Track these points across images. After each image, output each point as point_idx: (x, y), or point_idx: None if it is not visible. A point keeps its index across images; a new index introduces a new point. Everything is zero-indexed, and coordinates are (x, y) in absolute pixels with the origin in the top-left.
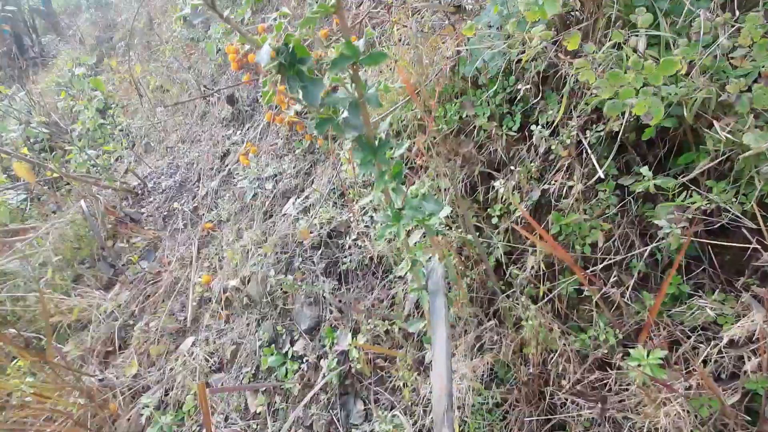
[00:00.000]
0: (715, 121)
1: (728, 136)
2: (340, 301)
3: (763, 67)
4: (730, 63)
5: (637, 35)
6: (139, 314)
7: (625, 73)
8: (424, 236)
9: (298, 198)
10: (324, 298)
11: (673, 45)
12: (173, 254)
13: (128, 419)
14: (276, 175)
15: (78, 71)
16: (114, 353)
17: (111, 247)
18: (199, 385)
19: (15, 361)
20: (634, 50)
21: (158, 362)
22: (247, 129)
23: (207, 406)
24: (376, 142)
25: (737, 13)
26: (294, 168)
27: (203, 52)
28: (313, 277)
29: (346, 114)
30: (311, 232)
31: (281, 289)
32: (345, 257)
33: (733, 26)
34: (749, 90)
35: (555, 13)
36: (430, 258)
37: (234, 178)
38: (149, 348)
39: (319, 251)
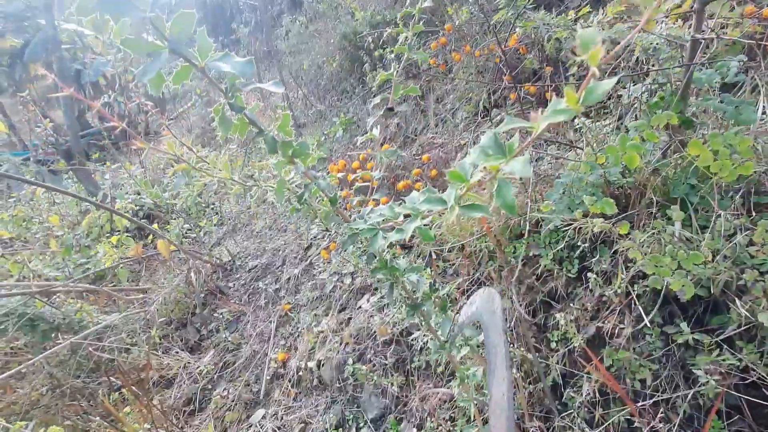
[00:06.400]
0: (736, 299)
1: (747, 314)
2: (406, 396)
3: None
4: (748, 253)
5: (673, 225)
6: (217, 380)
7: (663, 255)
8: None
9: (373, 296)
10: (392, 391)
11: (701, 231)
12: (254, 329)
13: None
14: (354, 272)
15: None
16: (193, 415)
17: (200, 314)
18: None
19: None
20: (671, 236)
21: (230, 429)
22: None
23: None
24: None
25: (753, 214)
26: None
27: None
28: (382, 370)
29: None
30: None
31: (353, 377)
32: (414, 357)
33: (748, 228)
34: (763, 277)
35: (612, 213)
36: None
37: (315, 268)
38: (225, 414)
39: (391, 347)
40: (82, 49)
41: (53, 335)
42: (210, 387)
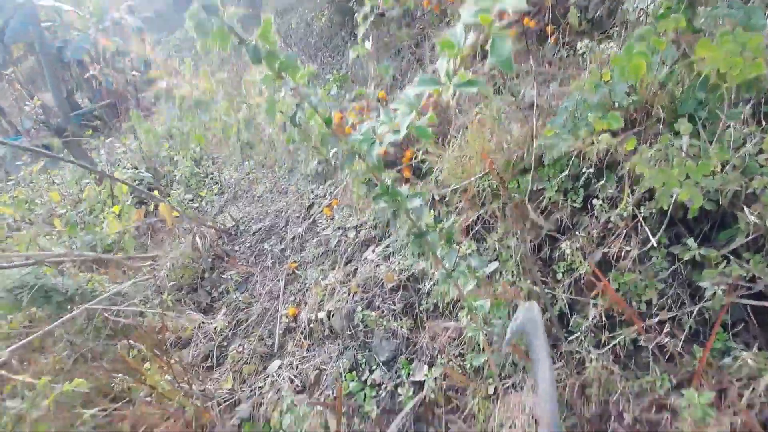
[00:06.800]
0: (745, 207)
1: (756, 221)
2: (416, 337)
3: None
4: (757, 162)
5: (680, 138)
6: (232, 338)
7: (671, 169)
8: (477, 286)
9: (378, 246)
10: (402, 333)
11: (710, 143)
12: (263, 288)
13: (223, 427)
14: (357, 226)
15: (185, 128)
16: (211, 370)
17: (209, 277)
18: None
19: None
20: (679, 149)
21: (249, 380)
22: (329, 185)
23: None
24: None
25: (763, 123)
26: (374, 219)
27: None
28: (391, 315)
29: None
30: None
31: (363, 323)
32: (422, 300)
33: (758, 136)
34: None
35: (619, 127)
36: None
37: (318, 226)
38: (242, 367)
39: (399, 293)
40: (62, 27)
41: (68, 306)
42: (225, 344)
